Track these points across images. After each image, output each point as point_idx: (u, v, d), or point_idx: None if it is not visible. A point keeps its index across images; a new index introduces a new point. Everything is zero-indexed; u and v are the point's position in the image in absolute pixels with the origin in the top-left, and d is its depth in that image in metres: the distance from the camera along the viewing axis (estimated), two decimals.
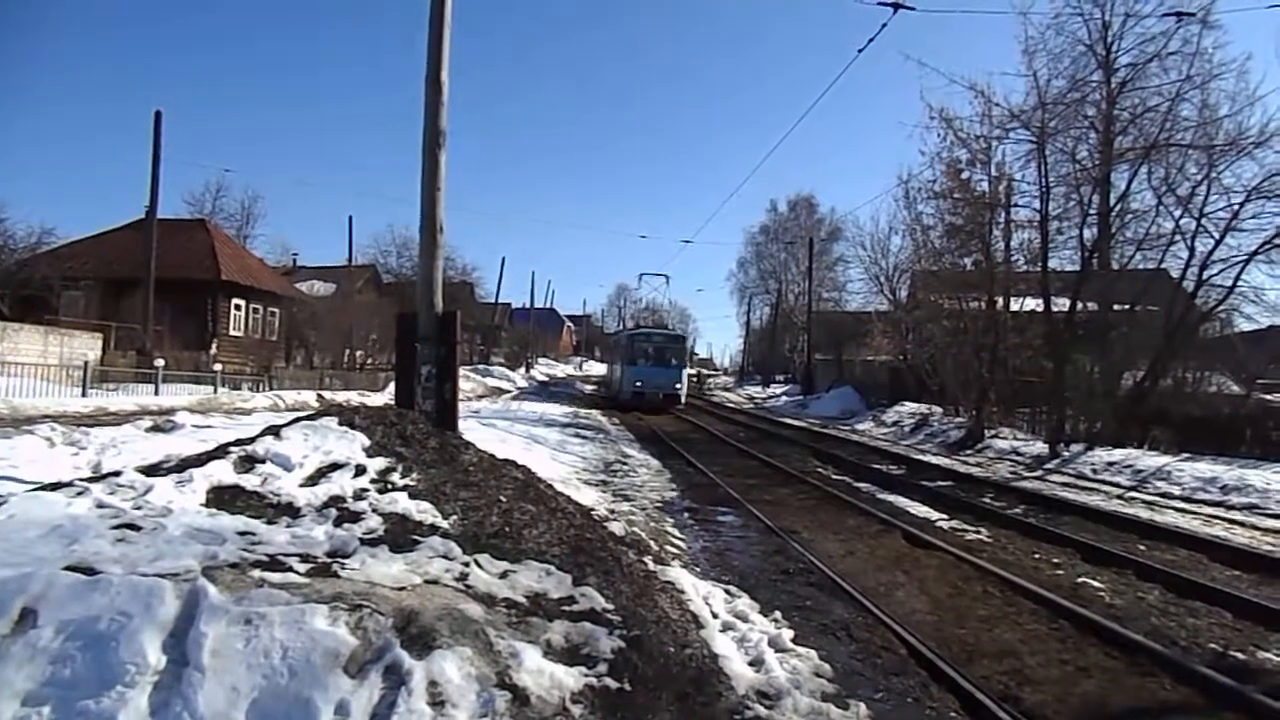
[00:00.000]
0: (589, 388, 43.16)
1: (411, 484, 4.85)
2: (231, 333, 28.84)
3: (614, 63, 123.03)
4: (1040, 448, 14.61)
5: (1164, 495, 10.38)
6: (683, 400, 27.14)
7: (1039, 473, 12.72)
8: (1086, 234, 15.87)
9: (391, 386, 12.01)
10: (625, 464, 12.06)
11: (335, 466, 4.90)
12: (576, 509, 5.74)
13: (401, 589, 3.21)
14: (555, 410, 22.01)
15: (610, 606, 3.63)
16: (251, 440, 5.16)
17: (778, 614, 4.58)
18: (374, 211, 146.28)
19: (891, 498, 9.78)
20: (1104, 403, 15.09)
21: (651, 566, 5.04)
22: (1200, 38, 14.74)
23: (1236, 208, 13.95)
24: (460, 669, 2.68)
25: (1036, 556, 6.75)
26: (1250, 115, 13.95)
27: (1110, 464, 12.39)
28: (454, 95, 7.45)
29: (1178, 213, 14.87)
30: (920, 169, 19.75)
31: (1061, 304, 16.04)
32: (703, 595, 4.66)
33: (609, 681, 2.94)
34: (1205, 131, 14.48)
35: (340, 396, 20.40)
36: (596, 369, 64.67)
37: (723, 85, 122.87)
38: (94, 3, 70.74)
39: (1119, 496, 10.42)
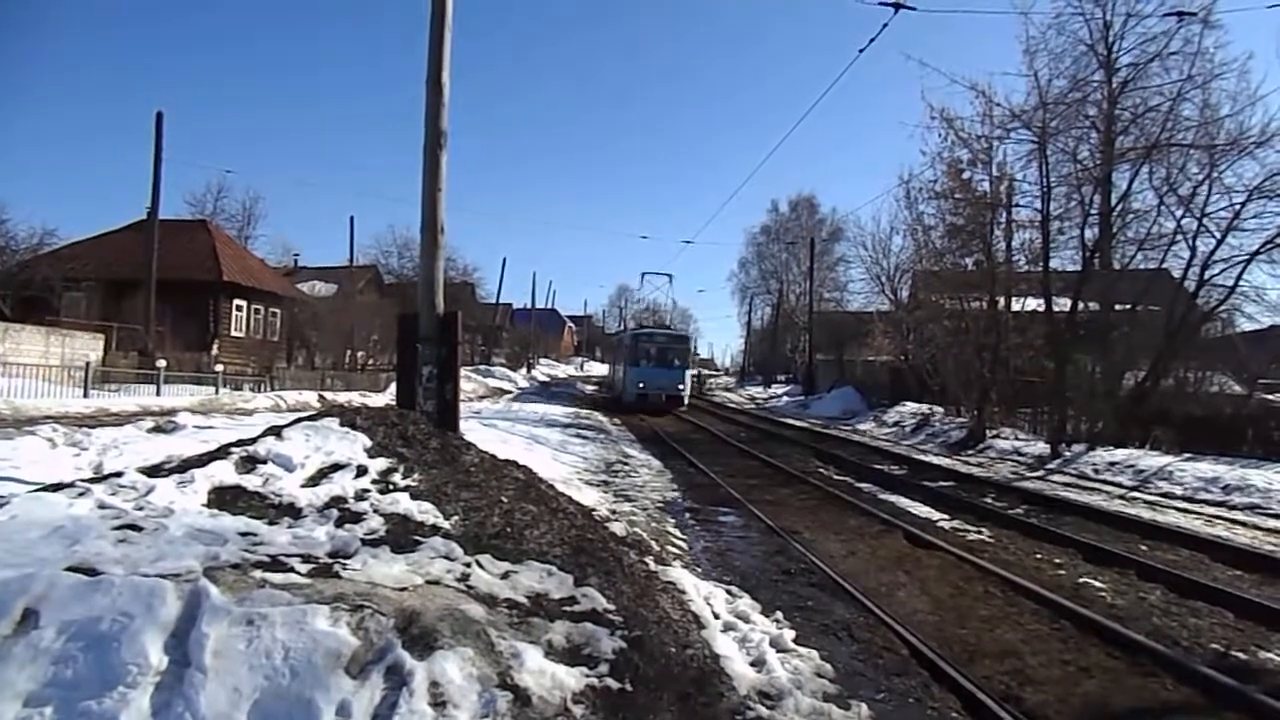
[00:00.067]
0: (590, 388, 43.13)
1: (413, 484, 4.85)
2: (233, 333, 28.88)
3: (614, 63, 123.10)
4: (1042, 448, 14.60)
5: (1166, 495, 10.37)
6: (686, 402, 26.80)
7: (1040, 473, 12.71)
8: (1088, 234, 15.88)
9: (393, 387, 12.03)
10: (626, 464, 12.06)
11: (337, 467, 4.91)
12: (578, 509, 5.75)
13: (403, 589, 3.21)
14: (556, 411, 22.01)
15: (612, 607, 3.63)
16: (253, 441, 5.17)
17: (779, 614, 4.58)
18: (375, 212, 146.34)
19: (893, 498, 9.77)
20: (1105, 403, 15.08)
21: (653, 567, 5.04)
22: (1201, 37, 14.75)
23: (1238, 207, 13.96)
24: (462, 669, 2.68)
25: (1038, 557, 6.74)
26: (1251, 115, 13.96)
27: (1112, 464, 12.39)
28: (454, 96, 7.48)
29: (1179, 212, 14.88)
30: (921, 169, 19.74)
31: (1063, 304, 16.03)
32: (704, 595, 4.66)
33: (610, 682, 2.94)
34: (1207, 131, 14.48)
35: (342, 397, 20.41)
36: (597, 369, 64.66)
37: (723, 85, 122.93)
38: (94, 3, 70.89)
39: (1120, 497, 10.41)
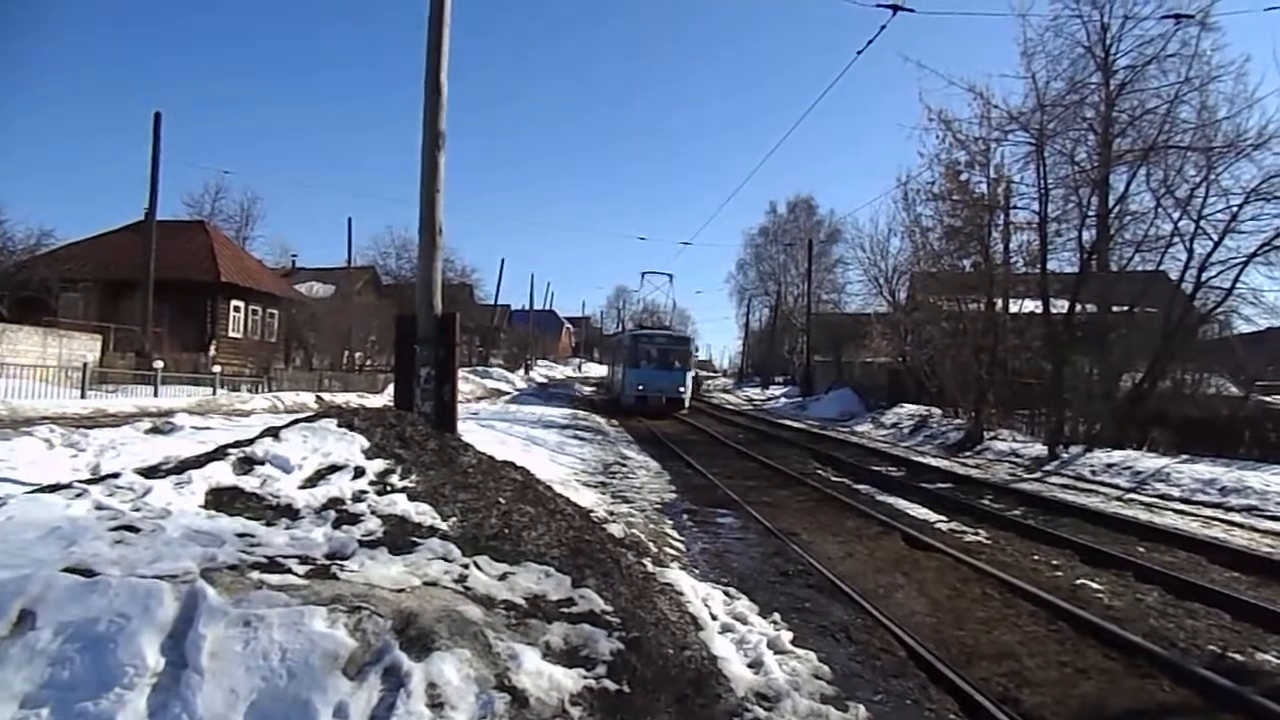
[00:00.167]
0: (588, 389, 43.11)
1: (410, 486, 4.85)
2: (230, 334, 28.84)
3: (613, 63, 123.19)
4: (1039, 449, 14.62)
5: (1163, 497, 10.38)
6: (687, 404, 26.21)
7: (1038, 474, 12.73)
8: (1085, 236, 15.92)
9: (390, 388, 12.01)
10: (624, 465, 12.06)
11: (334, 468, 4.90)
12: (575, 511, 5.74)
13: (400, 591, 3.21)
14: (554, 412, 22.00)
15: (609, 608, 3.63)
16: (250, 442, 5.16)
17: (777, 616, 4.59)
18: (373, 212, 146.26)
19: (891, 499, 9.78)
20: (1103, 404, 15.10)
21: (650, 568, 5.04)
22: (1199, 40, 14.78)
23: (1235, 210, 13.99)
24: (459, 671, 2.68)
25: (1035, 558, 6.75)
26: (1249, 117, 13.99)
27: (1109, 466, 12.40)
28: (453, 96, 7.49)
29: (1176, 215, 14.90)
30: (919, 170, 19.83)
31: (1060, 306, 16.05)
32: (702, 597, 4.66)
33: (608, 683, 2.93)
34: (1204, 133, 14.51)
35: (339, 398, 20.37)
36: (595, 370, 64.61)
37: (722, 85, 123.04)
38: (94, 3, 70.81)
39: (1118, 498, 10.43)
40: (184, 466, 4.71)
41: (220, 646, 2.56)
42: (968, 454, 15.56)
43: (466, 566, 3.74)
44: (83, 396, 16.37)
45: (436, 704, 2.53)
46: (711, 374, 75.84)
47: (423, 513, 4.45)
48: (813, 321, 40.00)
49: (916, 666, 4.07)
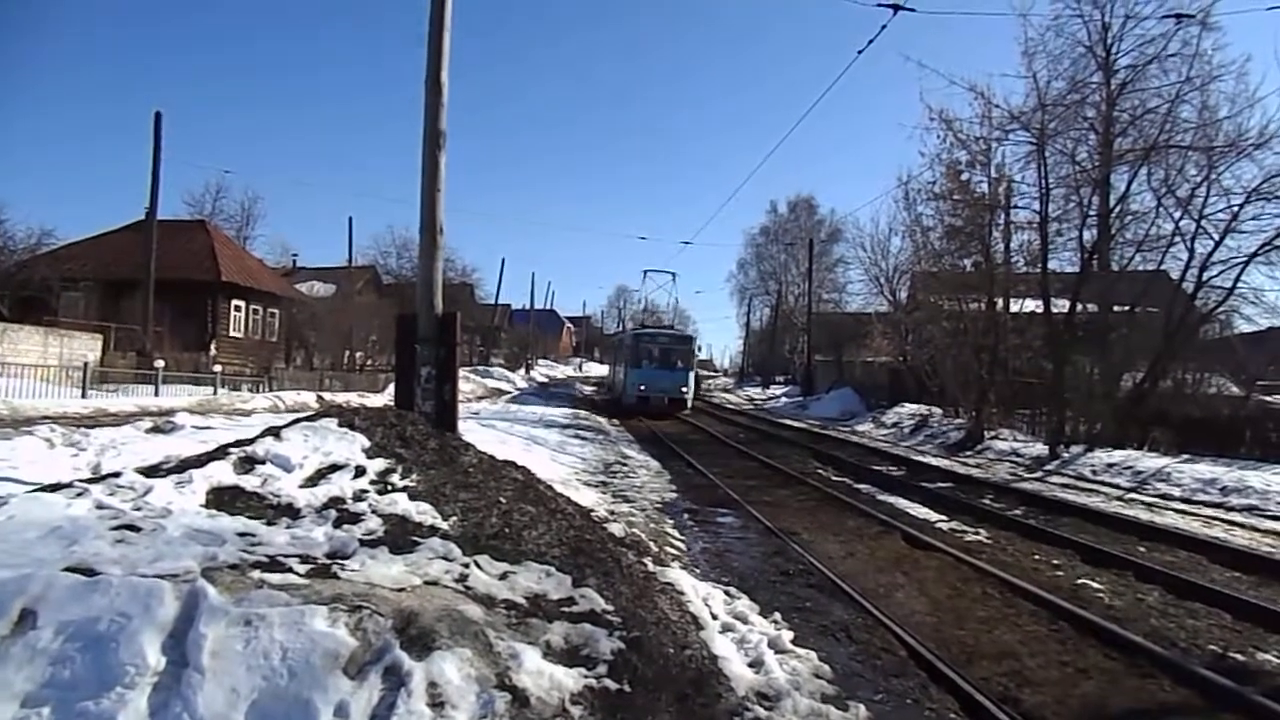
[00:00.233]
0: (588, 389, 43.09)
1: (411, 485, 4.85)
2: (231, 334, 28.85)
3: (614, 63, 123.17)
4: (1040, 449, 14.61)
5: (1164, 497, 10.38)
6: (689, 405, 25.65)
7: (1039, 474, 12.72)
8: (1086, 235, 15.90)
9: (391, 388, 12.01)
10: (625, 465, 12.06)
11: (335, 468, 4.90)
12: (576, 510, 5.75)
13: (401, 590, 3.21)
14: (555, 412, 22.01)
15: (610, 608, 3.63)
16: (251, 441, 5.17)
17: (777, 615, 4.59)
18: (374, 212, 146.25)
19: (891, 499, 9.78)
20: (1104, 404, 15.09)
21: (651, 568, 5.04)
22: (1200, 39, 14.76)
23: (1236, 209, 13.98)
24: (460, 670, 2.68)
25: (1036, 558, 6.75)
26: (1250, 117, 13.98)
27: (1110, 465, 12.40)
28: (453, 96, 7.48)
29: (1177, 214, 14.89)
30: (920, 170, 19.80)
31: (1061, 305, 16.04)
32: (702, 596, 4.66)
33: (609, 683, 2.94)
34: (1205, 133, 14.50)
35: (340, 398, 20.39)
36: (596, 370, 64.57)
37: (722, 85, 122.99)
38: (94, 3, 70.81)
39: (1119, 498, 10.42)
40: (185, 466, 4.71)
41: (221, 646, 2.56)
42: (968, 453, 15.55)
43: (467, 566, 3.74)
44: (83, 396, 16.39)
45: (437, 703, 2.53)
46: (712, 373, 75.76)
47: (423, 512, 4.46)
48: (813, 321, 39.96)
49: (917, 666, 4.07)
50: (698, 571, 5.62)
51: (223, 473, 4.60)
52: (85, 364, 17.64)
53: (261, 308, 30.89)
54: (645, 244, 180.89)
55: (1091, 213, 15.75)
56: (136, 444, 7.48)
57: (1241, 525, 8.55)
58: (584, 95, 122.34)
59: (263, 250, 42.85)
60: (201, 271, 27.38)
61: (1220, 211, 14.24)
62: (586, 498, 7.73)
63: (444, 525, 4.35)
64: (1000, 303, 17.96)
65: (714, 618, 4.31)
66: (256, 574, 3.14)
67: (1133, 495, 10.59)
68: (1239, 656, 4.41)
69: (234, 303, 29.15)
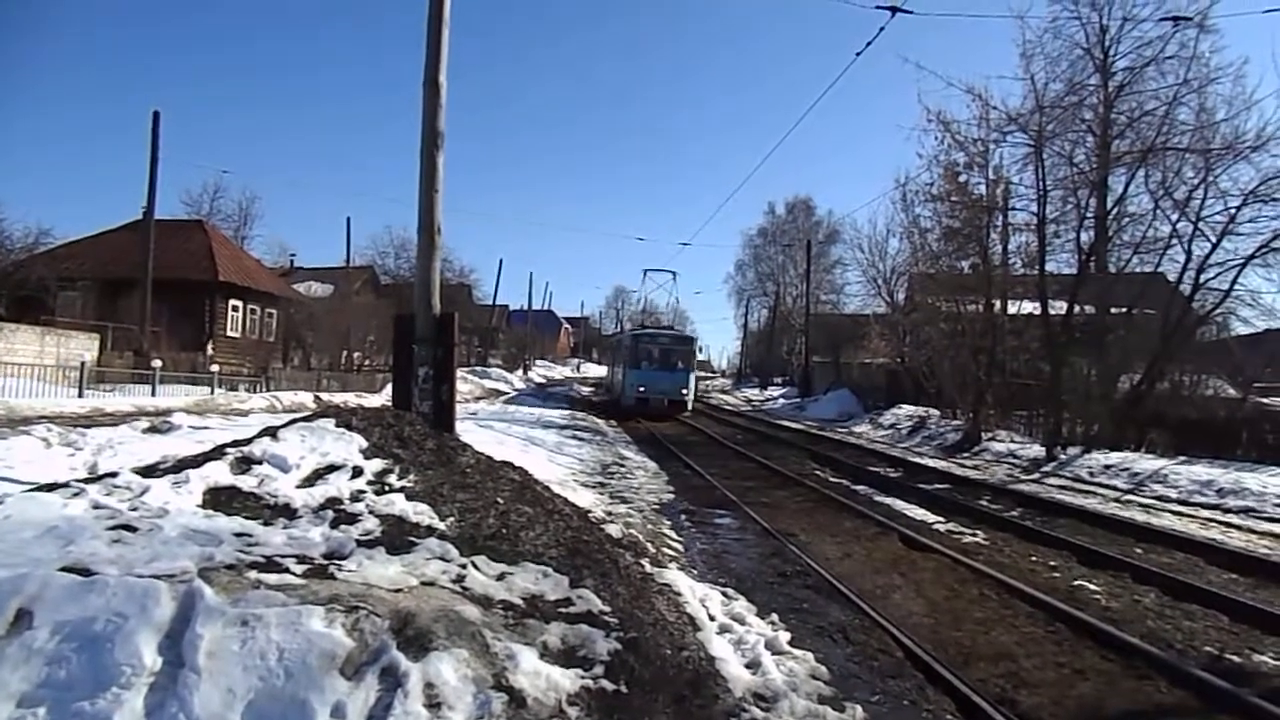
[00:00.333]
0: (587, 390, 43.05)
1: (408, 486, 4.85)
2: (229, 334, 28.80)
3: (613, 63, 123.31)
4: (1037, 450, 14.63)
5: (1161, 498, 10.39)
6: (690, 407, 25.16)
7: (1036, 475, 12.74)
8: (1084, 237, 15.90)
9: (389, 388, 11.99)
10: (622, 466, 12.06)
11: (332, 468, 4.90)
12: (574, 511, 5.74)
13: (398, 591, 3.20)
14: (553, 413, 22.00)
15: (607, 609, 3.63)
16: (248, 441, 5.16)
17: (775, 616, 4.59)
18: (372, 212, 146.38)
19: (889, 500, 9.78)
20: (1101, 406, 15.11)
21: (648, 568, 5.04)
22: (1197, 42, 14.79)
23: (1233, 211, 13.98)
24: (457, 671, 2.68)
25: (1033, 559, 6.76)
26: (1247, 119, 13.99)
27: (1107, 467, 12.41)
28: (453, 96, 7.50)
29: (1175, 216, 14.90)
30: (918, 172, 19.85)
31: (1059, 307, 16.04)
32: (699, 597, 4.66)
33: (605, 684, 2.93)
34: (1202, 135, 14.51)
35: (337, 398, 20.35)
36: (594, 371, 64.52)
37: (722, 85, 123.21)
38: (94, 3, 70.80)
39: (1116, 499, 10.43)
40: (182, 466, 4.71)
41: (217, 646, 2.56)
42: (966, 455, 15.57)
43: (464, 566, 3.73)
44: (80, 395, 16.36)
45: (434, 704, 2.53)
46: (710, 375, 75.62)
47: (420, 512, 4.45)
48: (811, 322, 39.99)
49: (914, 667, 4.07)
50: (695, 572, 5.62)
51: (219, 473, 4.59)
52: (82, 363, 17.59)
53: (259, 308, 30.84)
54: (644, 245, 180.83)
55: (1089, 215, 15.79)
56: (133, 444, 7.45)
57: (1238, 527, 8.57)
58: (583, 95, 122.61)
59: (260, 250, 42.93)
60: (199, 271, 27.34)
61: (1217, 214, 14.26)
62: (584, 498, 7.73)
63: (441, 526, 4.34)
64: (998, 304, 17.98)
65: (711, 619, 4.31)
66: (253, 574, 3.14)
67: (1130, 497, 10.61)
68: (1235, 658, 4.42)
69: (231, 303, 29.10)
